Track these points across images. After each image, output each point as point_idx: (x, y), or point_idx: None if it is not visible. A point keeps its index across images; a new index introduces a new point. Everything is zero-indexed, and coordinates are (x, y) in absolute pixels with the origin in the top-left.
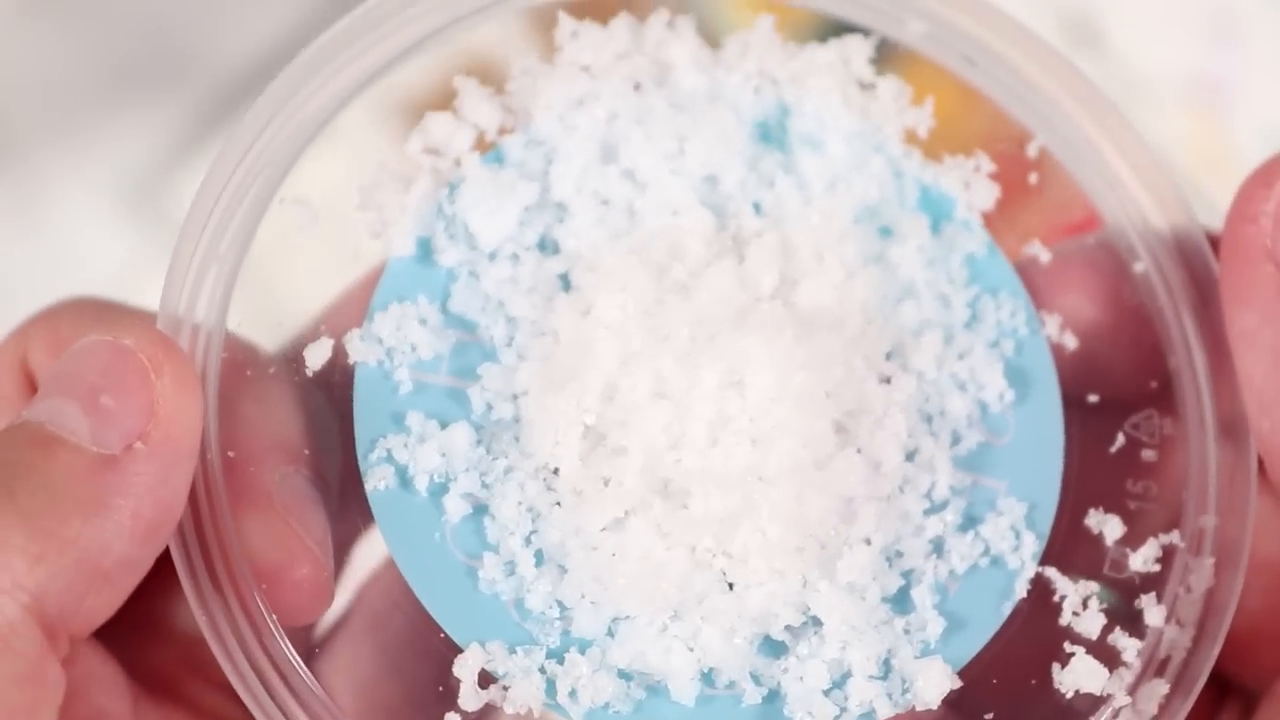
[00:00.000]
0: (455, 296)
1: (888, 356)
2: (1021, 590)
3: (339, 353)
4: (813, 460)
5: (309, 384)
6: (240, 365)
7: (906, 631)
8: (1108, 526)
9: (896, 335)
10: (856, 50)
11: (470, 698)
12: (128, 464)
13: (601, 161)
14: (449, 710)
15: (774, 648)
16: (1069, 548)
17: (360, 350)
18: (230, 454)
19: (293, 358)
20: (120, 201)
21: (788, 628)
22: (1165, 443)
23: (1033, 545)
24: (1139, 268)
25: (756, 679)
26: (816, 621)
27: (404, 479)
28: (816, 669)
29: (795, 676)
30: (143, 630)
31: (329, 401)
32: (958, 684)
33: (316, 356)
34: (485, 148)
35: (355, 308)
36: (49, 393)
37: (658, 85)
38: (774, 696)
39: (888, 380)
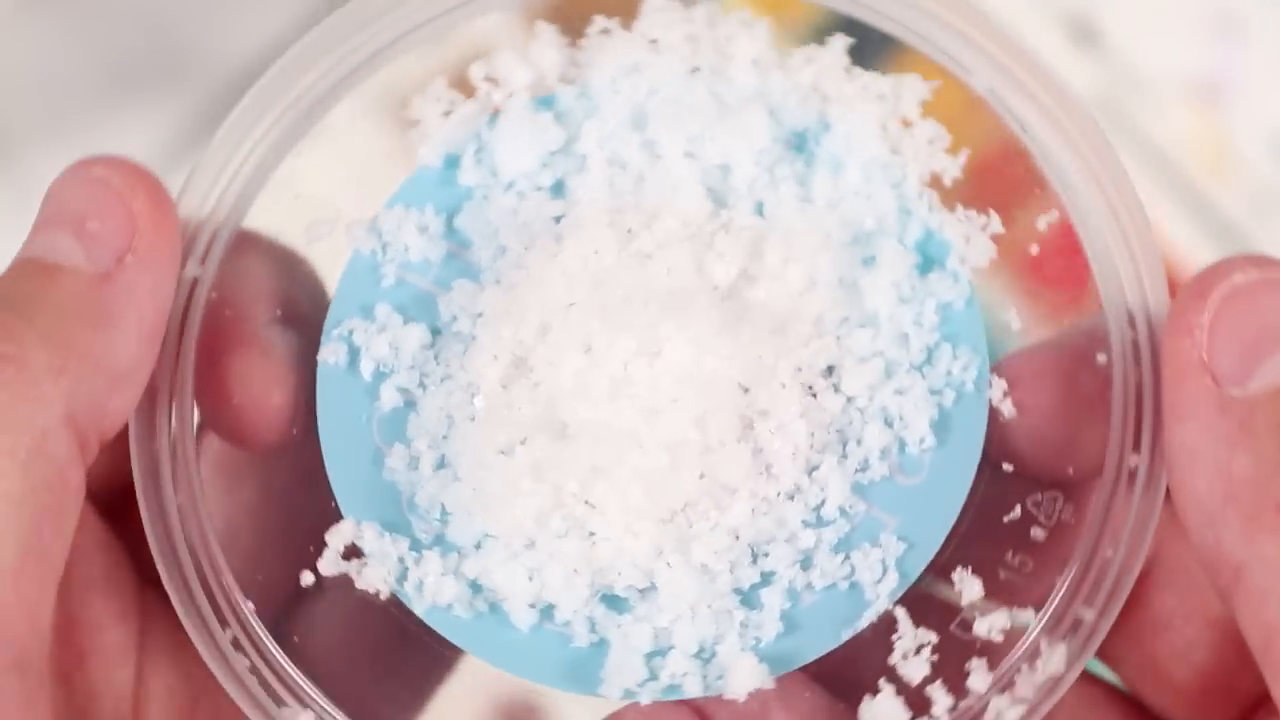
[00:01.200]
0: (463, 213)
1: (828, 372)
2: (865, 622)
3: (339, 235)
4: (703, 443)
5: (305, 256)
6: (247, 228)
7: (744, 625)
8: (967, 586)
9: (841, 357)
10: (911, 90)
11: (329, 563)
12: (122, 276)
13: (630, 128)
14: (306, 569)
15: (619, 600)
16: (926, 597)
17: (359, 237)
18: (213, 295)
19: (298, 232)
20: None
21: (631, 587)
22: (1059, 528)
23: (893, 584)
24: (1100, 359)
25: (592, 625)
26: (658, 588)
27: (354, 359)
28: (642, 633)
29: (623, 634)
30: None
31: (316, 277)
32: (769, 684)
33: (318, 232)
34: (542, 91)
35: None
36: (38, 230)
37: (712, 73)
38: (601, 646)
39: (814, 394)
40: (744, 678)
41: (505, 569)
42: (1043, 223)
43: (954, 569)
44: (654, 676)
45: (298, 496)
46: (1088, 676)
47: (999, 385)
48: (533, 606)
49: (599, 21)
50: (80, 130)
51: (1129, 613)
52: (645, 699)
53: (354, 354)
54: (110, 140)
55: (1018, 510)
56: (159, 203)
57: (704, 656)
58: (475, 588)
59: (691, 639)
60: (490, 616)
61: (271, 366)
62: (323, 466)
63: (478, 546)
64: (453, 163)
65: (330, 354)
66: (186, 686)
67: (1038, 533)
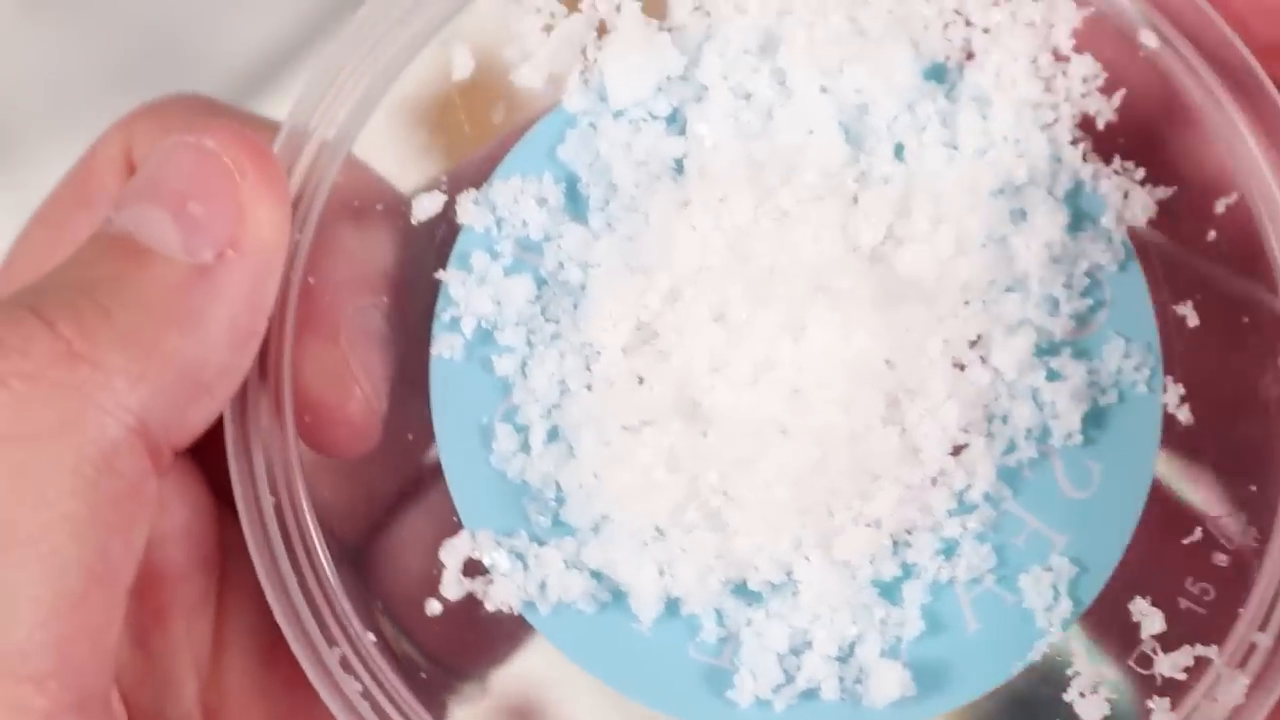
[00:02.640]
0: (567, 143)
1: (975, 341)
2: (1038, 654)
3: (450, 209)
4: (849, 429)
5: (411, 231)
6: (349, 194)
7: (883, 622)
8: (1148, 620)
9: (989, 325)
10: (1065, 17)
11: (451, 586)
12: (221, 273)
13: (758, 54)
14: (430, 596)
15: (751, 594)
16: (1103, 628)
17: (470, 213)
18: (311, 280)
19: (405, 202)
20: None
21: (767, 582)
22: (1241, 552)
23: (1066, 612)
24: None
25: (720, 618)
26: (796, 583)
27: (470, 352)
28: (778, 631)
29: (755, 631)
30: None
31: (425, 255)
32: (910, 692)
33: (425, 208)
34: (654, 5)
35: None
36: (135, 198)
37: None
38: (730, 641)
39: (961, 367)
40: (886, 684)
41: (633, 561)
42: (1221, 205)
43: (1130, 597)
44: (790, 680)
45: (413, 506)
46: None
47: (1175, 390)
48: (655, 599)
49: None
50: (83, 131)
51: None
52: (779, 705)
53: (470, 347)
54: None
55: (1198, 532)
56: (271, 188)
57: (841, 656)
58: (597, 575)
59: (831, 639)
60: (613, 607)
61: (345, 369)
62: (440, 472)
63: (596, 530)
64: (569, 122)
65: (444, 347)
66: (269, 624)
67: (1220, 558)
